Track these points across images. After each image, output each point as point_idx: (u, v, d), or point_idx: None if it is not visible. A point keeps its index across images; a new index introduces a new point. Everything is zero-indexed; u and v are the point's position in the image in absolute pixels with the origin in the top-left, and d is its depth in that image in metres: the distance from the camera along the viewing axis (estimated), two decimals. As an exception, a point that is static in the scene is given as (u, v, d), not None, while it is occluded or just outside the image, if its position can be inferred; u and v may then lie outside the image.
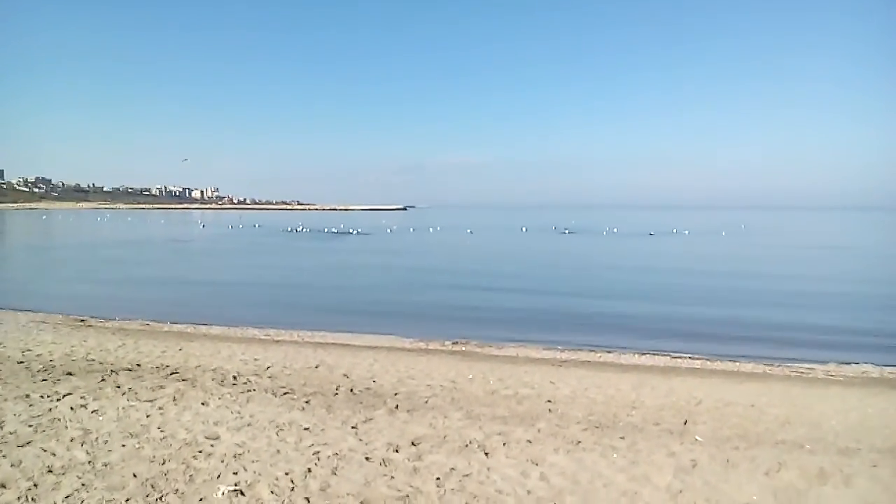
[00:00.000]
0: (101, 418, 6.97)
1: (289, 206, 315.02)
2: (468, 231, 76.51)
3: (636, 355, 14.19)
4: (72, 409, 7.24)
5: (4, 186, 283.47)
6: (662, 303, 21.66)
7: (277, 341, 14.83)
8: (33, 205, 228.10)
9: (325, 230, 74.19)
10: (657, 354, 14.31)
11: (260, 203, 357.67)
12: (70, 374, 9.04)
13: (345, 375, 10.06)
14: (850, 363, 13.52)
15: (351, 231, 70.79)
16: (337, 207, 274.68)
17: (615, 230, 76.04)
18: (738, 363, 13.67)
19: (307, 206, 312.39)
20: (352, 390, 8.83)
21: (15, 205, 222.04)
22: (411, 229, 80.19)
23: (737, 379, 11.73)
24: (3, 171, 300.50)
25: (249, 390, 8.41)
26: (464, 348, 14.67)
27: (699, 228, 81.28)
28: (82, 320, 17.33)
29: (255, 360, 11.36)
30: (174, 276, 30.35)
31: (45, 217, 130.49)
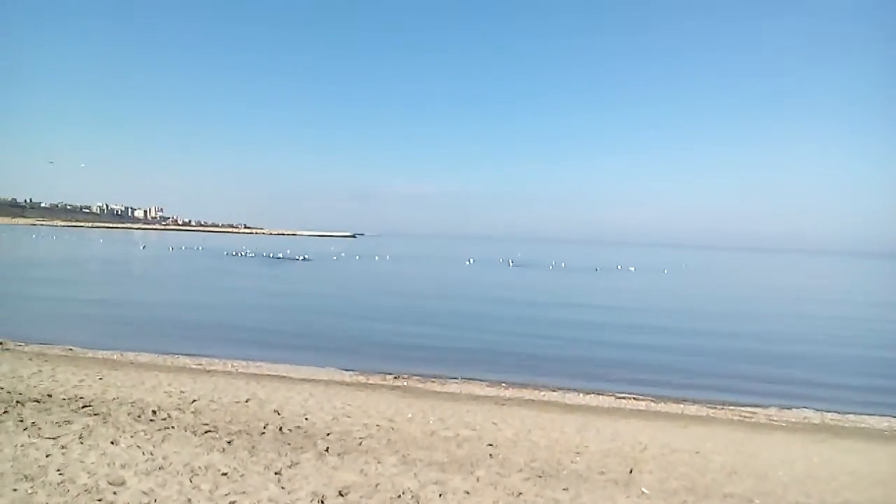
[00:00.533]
0: (-7, 458, 6.25)
1: (235, 230, 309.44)
2: (413, 252, 76.57)
3: (581, 395, 13.94)
4: (-39, 446, 6.50)
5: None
6: (606, 341, 21.58)
7: (209, 371, 14.08)
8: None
9: (271, 255, 72.70)
10: (602, 394, 14.09)
11: (205, 225, 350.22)
12: (-32, 405, 8.22)
13: (276, 411, 9.47)
14: (790, 408, 13.55)
15: (297, 257, 69.47)
16: (284, 232, 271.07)
17: (563, 264, 76.79)
18: (682, 405, 13.56)
19: (254, 230, 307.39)
20: (281, 429, 8.26)
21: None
22: (356, 257, 79.31)
23: (681, 422, 11.57)
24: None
25: (168, 427, 7.76)
26: (405, 383, 14.18)
27: (643, 266, 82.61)
28: (0, 342, 16.21)
29: (182, 391, 10.66)
30: (107, 298, 28.95)
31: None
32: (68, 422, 7.58)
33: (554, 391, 14.09)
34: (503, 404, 12.18)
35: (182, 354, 16.04)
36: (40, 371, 11.82)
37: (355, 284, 42.93)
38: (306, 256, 70.95)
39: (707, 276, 71.07)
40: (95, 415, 8.11)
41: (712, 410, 13.16)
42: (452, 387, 14.07)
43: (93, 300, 27.82)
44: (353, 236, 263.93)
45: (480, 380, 14.78)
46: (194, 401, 9.85)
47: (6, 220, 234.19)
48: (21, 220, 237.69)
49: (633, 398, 13.95)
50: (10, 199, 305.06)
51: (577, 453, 8.26)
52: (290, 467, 6.63)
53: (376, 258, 78.27)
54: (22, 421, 7.46)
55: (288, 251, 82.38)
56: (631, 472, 7.59)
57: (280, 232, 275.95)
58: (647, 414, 12.43)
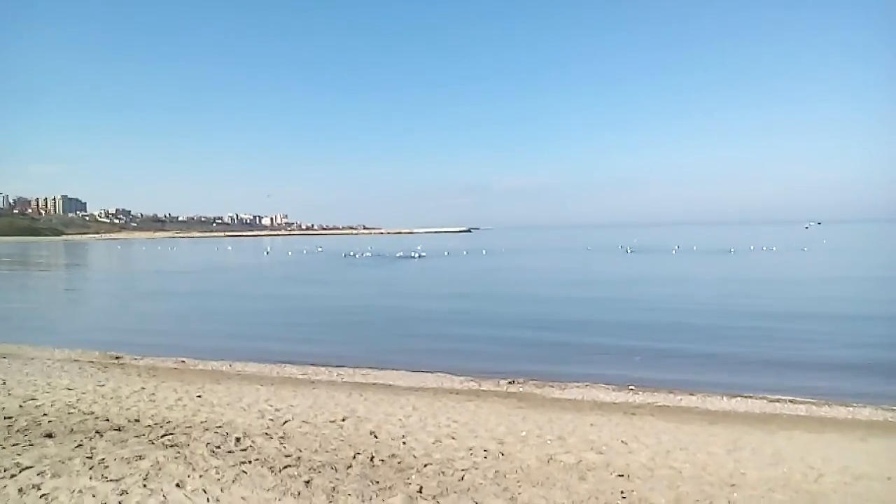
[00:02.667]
0: (46, 508, 5.53)
1: (354, 231, 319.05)
2: (532, 244, 75.32)
3: (725, 398, 11.99)
4: (20, 490, 5.83)
5: (87, 218, 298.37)
6: (746, 331, 19.16)
7: (313, 382, 13.39)
8: (113, 235, 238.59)
9: (387, 254, 73.37)
10: (751, 397, 12.08)
11: (327, 228, 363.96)
12: (49, 435, 7.72)
13: (372, 433, 8.40)
14: None
15: (412, 255, 69.64)
16: (402, 231, 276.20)
17: (694, 247, 72.45)
18: (851, 408, 11.33)
19: (372, 231, 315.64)
20: (372, 458, 7.14)
21: (97, 235, 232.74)
22: (467, 252, 78.55)
23: (856, 432, 9.44)
24: (86, 203, 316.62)
25: (245, 461, 6.84)
26: (521, 388, 12.83)
27: (778, 244, 76.24)
28: (117, 357, 16.42)
29: (277, 409, 9.87)
30: (228, 305, 29.62)
31: (119, 247, 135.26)
32: (140, 457, 6.83)
33: (692, 394, 12.20)
34: (633, 413, 10.54)
35: (288, 363, 15.50)
36: (143, 389, 11.48)
37: (470, 280, 41.97)
38: (421, 253, 70.99)
39: (856, 252, 64.49)
40: (172, 446, 7.34)
41: (893, 413, 10.89)
42: (574, 391, 12.55)
43: (209, 308, 28.47)
44: (468, 231, 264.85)
45: (605, 383, 13.15)
46: (286, 422, 8.98)
47: (148, 234, 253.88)
48: (160, 234, 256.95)
49: (790, 400, 11.83)
50: (151, 214, 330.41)
51: (733, 486, 6.57)
52: (373, 518, 5.48)
53: (483, 252, 77.55)
54: (91, 458, 6.78)
55: (404, 250, 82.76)
56: (811, 516, 5.86)
57: (397, 231, 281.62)
58: (811, 422, 10.31)
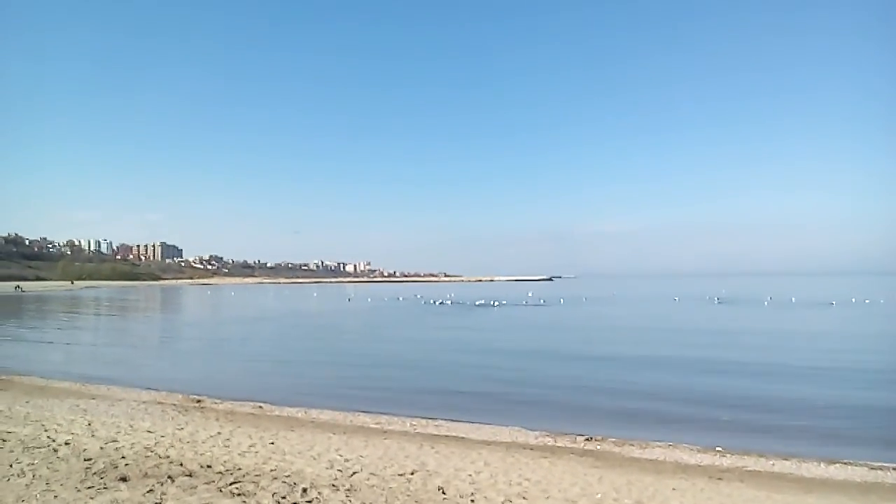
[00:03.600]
0: (111, 554, 5.54)
1: (435, 278, 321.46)
2: (613, 293, 74.09)
3: (823, 464, 11.00)
4: (89, 535, 5.88)
5: (183, 264, 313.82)
6: (849, 392, 17.78)
7: (385, 432, 13.21)
8: (206, 280, 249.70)
9: (467, 303, 73.23)
10: (851, 463, 11.05)
11: (409, 275, 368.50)
12: (124, 479, 7.84)
13: (440, 489, 8.11)
14: None
15: (493, 303, 69.23)
16: (482, 279, 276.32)
17: (792, 299, 68.84)
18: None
19: (453, 278, 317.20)
20: (439, 518, 6.87)
21: (191, 280, 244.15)
22: (541, 300, 77.37)
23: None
24: (182, 250, 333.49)
25: (309, 515, 6.70)
26: (598, 447, 12.21)
27: (884, 296, 71.39)
28: (198, 400, 16.80)
29: (347, 460, 9.74)
30: (309, 350, 30.08)
31: (209, 292, 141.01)
32: (206, 506, 6.81)
33: (786, 459, 11.27)
34: (719, 478, 9.79)
35: (362, 412, 15.44)
36: (219, 434, 11.64)
37: (551, 330, 41.17)
38: (501, 302, 70.51)
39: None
40: (239, 495, 7.30)
41: None
42: (656, 451, 11.84)
43: (290, 353, 28.97)
44: (550, 279, 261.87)
45: (690, 444, 12.36)
46: (354, 473, 8.81)
47: (238, 279, 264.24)
48: (250, 280, 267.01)
49: (894, 469, 10.76)
50: (242, 260, 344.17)
51: (837, 567, 5.92)
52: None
53: (561, 300, 76.45)
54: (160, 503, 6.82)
55: (483, 298, 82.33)
56: None
57: (478, 278, 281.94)
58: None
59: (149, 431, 11.52)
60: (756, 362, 23.50)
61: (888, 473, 10.39)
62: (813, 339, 32.21)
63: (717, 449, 11.90)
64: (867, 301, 63.38)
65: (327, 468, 9.08)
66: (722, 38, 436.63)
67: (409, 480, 8.55)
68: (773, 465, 10.92)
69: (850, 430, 13.60)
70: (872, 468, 10.68)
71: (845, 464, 10.94)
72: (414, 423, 14.32)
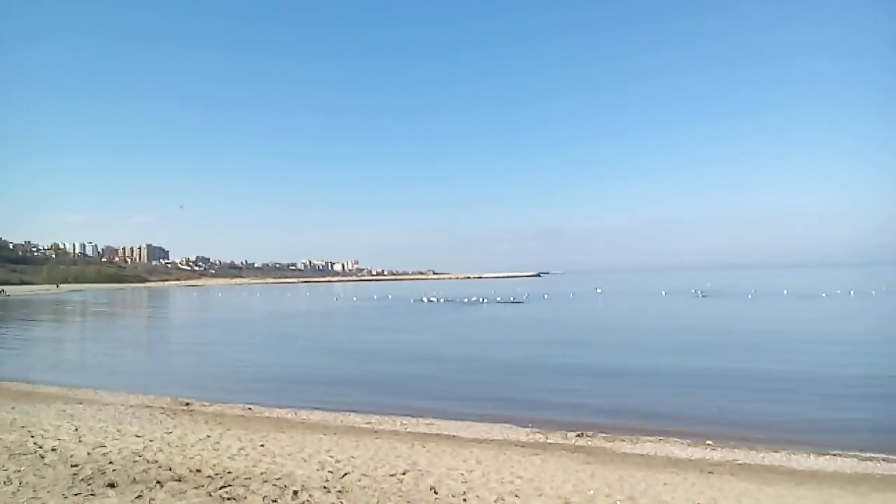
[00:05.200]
0: (99, 562, 5.46)
1: (424, 276, 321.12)
2: (597, 290, 74.98)
3: (812, 455, 11.09)
4: (77, 543, 5.80)
5: (169, 266, 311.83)
6: (837, 386, 17.89)
7: (376, 431, 13.17)
8: (193, 281, 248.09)
9: (455, 301, 73.16)
10: (840, 455, 11.13)
11: (397, 274, 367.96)
12: (112, 485, 7.74)
13: (432, 489, 8.08)
14: None
15: (482, 300, 69.23)
16: (470, 276, 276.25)
17: (784, 291, 69.35)
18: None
19: (441, 276, 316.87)
20: (431, 519, 6.84)
21: (178, 282, 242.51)
22: (525, 295, 77.51)
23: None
24: (168, 251, 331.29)
25: (300, 518, 6.65)
26: (589, 442, 12.24)
27: (867, 288, 72.04)
28: (187, 404, 16.65)
29: (337, 461, 9.68)
30: (297, 351, 29.95)
31: (195, 294, 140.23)
32: (195, 511, 6.74)
33: (776, 451, 11.34)
34: (710, 472, 9.82)
35: (353, 412, 15.39)
36: (208, 437, 11.53)
37: (539, 326, 41.24)
38: (495, 299, 70.55)
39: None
40: (230, 499, 7.23)
41: None
42: (647, 446, 11.87)
43: (278, 354, 28.84)
44: (538, 275, 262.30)
45: (680, 438, 12.40)
46: (346, 475, 8.76)
47: (226, 280, 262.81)
48: (237, 280, 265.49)
49: (884, 459, 10.84)
50: (229, 261, 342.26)
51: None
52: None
53: (545, 296, 76.79)
54: (148, 510, 6.74)
55: (471, 295, 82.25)
56: None
57: (466, 276, 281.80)
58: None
59: (137, 436, 11.40)
60: (739, 355, 23.63)
61: (878, 464, 10.47)
62: (800, 332, 32.47)
63: (708, 443, 11.95)
64: (852, 293, 63.82)
65: (318, 470, 9.02)
66: (711, 34, 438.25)
67: (400, 480, 8.52)
68: (764, 457, 10.99)
69: (837, 421, 13.72)
70: (862, 459, 10.78)
71: (835, 455, 11.04)
72: (405, 422, 14.29)
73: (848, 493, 8.55)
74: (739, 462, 10.68)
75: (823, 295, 62.56)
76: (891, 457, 10.83)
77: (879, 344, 27.10)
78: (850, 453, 11.11)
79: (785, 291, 69.64)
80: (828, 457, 10.96)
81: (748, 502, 7.81)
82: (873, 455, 10.97)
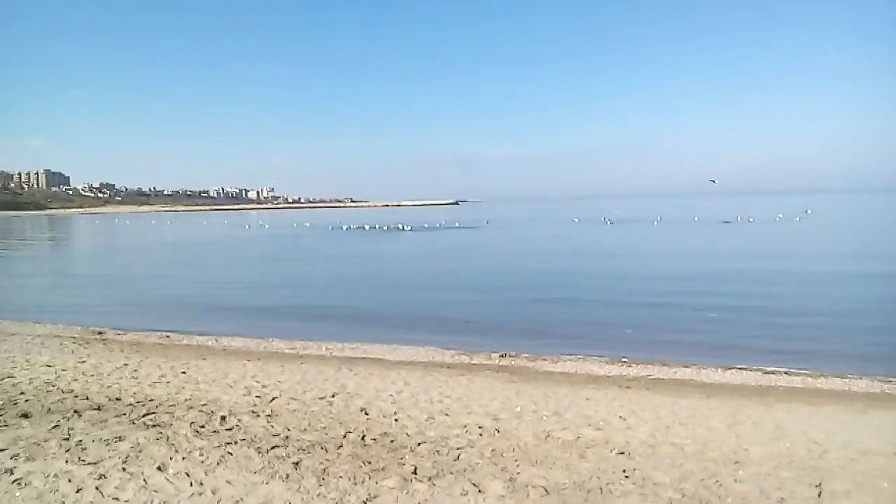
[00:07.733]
0: (18, 493, 5.22)
1: (342, 204, 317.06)
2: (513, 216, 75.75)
3: (720, 370, 11.82)
4: (-8, 475, 5.52)
5: (71, 192, 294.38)
6: (733, 302, 19.00)
7: (301, 356, 13.08)
8: (98, 209, 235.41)
9: (374, 227, 72.79)
10: (746, 369, 11.91)
11: (314, 202, 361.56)
12: (25, 416, 7.39)
13: (363, 410, 8.13)
14: None
15: (400, 227, 69.08)
16: (389, 204, 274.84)
17: (695, 218, 72.34)
18: (847, 379, 11.19)
19: (360, 204, 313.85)
20: (363, 437, 6.88)
21: (81, 210, 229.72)
22: (440, 223, 77.90)
23: (855, 405, 9.26)
24: (69, 177, 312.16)
25: (231, 442, 6.55)
26: (513, 362, 12.59)
27: (766, 215, 76.21)
28: (100, 332, 16.00)
29: (264, 386, 9.58)
30: (213, 279, 29.16)
31: (97, 221, 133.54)
32: (119, 438, 6.52)
33: (687, 367, 12.02)
34: (628, 387, 10.33)
35: (276, 338, 15.18)
36: (125, 365, 11.14)
37: (457, 253, 41.68)
38: (409, 227, 70.49)
39: (844, 222, 64.52)
40: (155, 426, 7.04)
41: (890, 385, 10.76)
42: (567, 364, 12.33)
43: (192, 282, 28.04)
44: (456, 203, 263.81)
45: (599, 356, 12.94)
46: (274, 398, 8.70)
47: (133, 208, 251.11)
48: (146, 208, 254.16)
49: (785, 373, 11.67)
50: (136, 188, 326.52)
51: (737, 462, 6.35)
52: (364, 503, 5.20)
53: (456, 224, 77.29)
54: (68, 439, 6.47)
55: (390, 223, 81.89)
56: (820, 495, 5.64)
57: (385, 204, 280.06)
58: (808, 394, 10.14)
59: (47, 366, 10.88)
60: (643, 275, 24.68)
61: (780, 377, 11.26)
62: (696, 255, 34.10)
63: (623, 359, 12.51)
64: (751, 219, 67.00)
65: (245, 395, 8.90)
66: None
67: (330, 403, 8.53)
68: (676, 372, 11.63)
69: (740, 338, 14.63)
70: (766, 373, 11.56)
71: (740, 369, 11.78)
72: (329, 346, 14.24)
73: (755, 403, 9.17)
74: (653, 377, 11.27)
75: (738, 219, 65.75)
76: (792, 370, 11.65)
77: (786, 258, 28.64)
78: (755, 367, 11.89)
79: (696, 218, 72.70)
80: (734, 370, 11.71)
81: (665, 414, 8.25)
82: (776, 368, 11.78)
